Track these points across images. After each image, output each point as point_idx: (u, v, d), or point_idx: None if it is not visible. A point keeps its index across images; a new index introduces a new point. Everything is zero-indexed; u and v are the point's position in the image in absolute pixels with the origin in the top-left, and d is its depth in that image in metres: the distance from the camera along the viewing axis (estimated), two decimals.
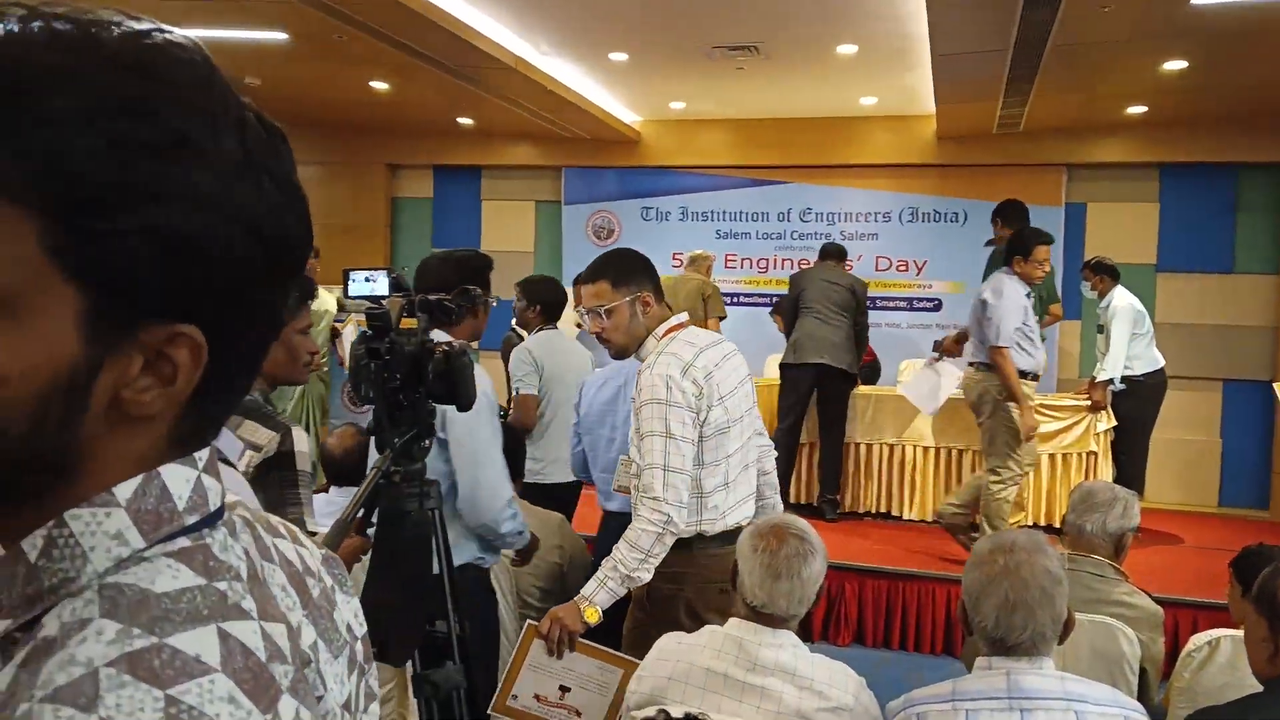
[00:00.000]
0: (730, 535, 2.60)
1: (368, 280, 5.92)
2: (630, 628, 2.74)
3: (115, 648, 0.52)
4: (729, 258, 8.64)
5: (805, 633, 2.67)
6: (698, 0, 5.46)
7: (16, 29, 0.55)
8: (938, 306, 8.37)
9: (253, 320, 0.63)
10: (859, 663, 2.27)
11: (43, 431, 0.56)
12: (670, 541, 2.50)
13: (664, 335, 2.68)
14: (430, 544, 2.10)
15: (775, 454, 3.06)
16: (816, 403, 6.22)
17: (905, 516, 6.38)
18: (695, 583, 2.62)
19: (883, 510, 6.45)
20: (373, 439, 2.14)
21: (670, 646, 2.18)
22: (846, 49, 6.27)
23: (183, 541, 0.60)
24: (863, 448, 6.47)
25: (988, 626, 1.88)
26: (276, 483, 2.19)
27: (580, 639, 2.44)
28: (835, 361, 6.07)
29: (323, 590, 0.73)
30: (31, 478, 0.58)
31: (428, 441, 2.14)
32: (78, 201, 0.54)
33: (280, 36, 5.94)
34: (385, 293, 2.14)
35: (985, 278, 5.82)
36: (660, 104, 8.22)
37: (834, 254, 6.58)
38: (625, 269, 2.71)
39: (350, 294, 5.92)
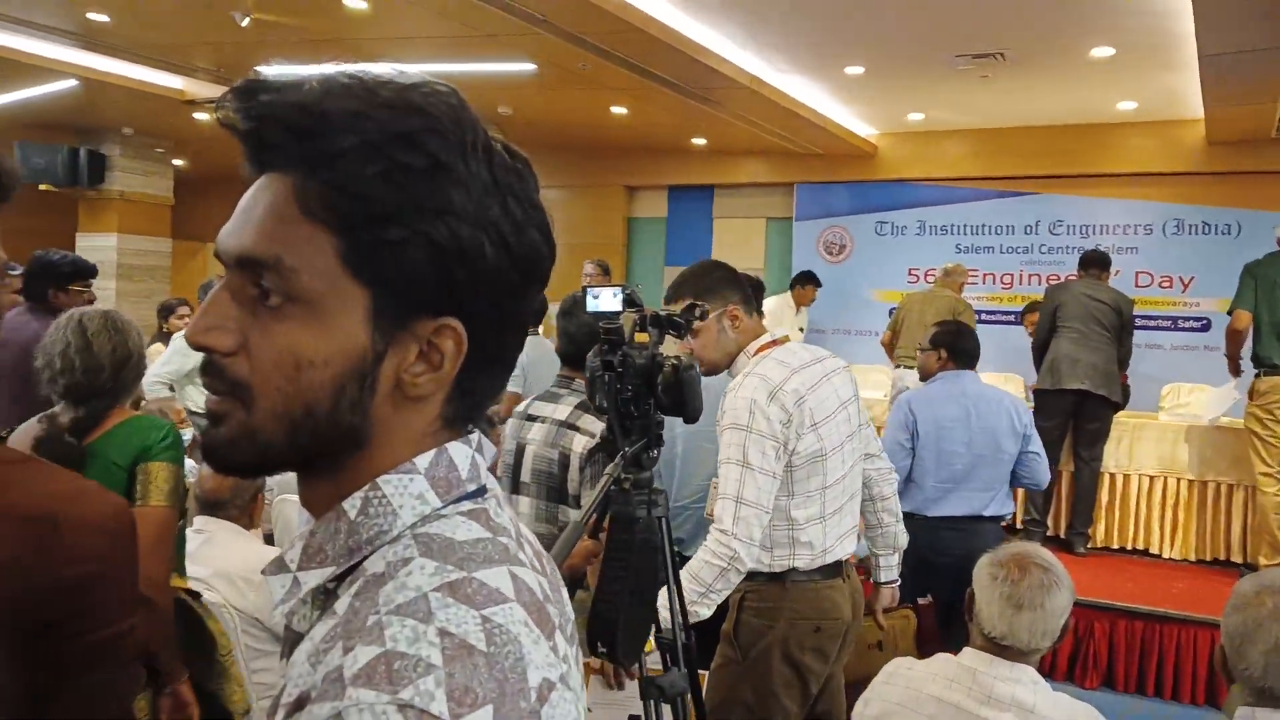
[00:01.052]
0: (831, 569, 2.46)
1: (601, 297, 6.12)
2: (717, 665, 2.55)
3: (436, 578, 0.64)
4: (970, 273, 8.30)
5: (1047, 671, 2.49)
6: (940, 10, 5.31)
7: (317, 86, 0.68)
8: (1206, 326, 7.68)
9: (504, 319, 0.73)
10: (1107, 707, 2.12)
11: (340, 409, 0.69)
12: (735, 579, 2.31)
13: (756, 353, 2.47)
14: (658, 550, 2.15)
15: (896, 477, 2.85)
16: (1072, 429, 5.77)
17: (1165, 555, 5.87)
18: (787, 619, 2.43)
19: (1139, 547, 5.96)
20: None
21: (899, 672, 2.12)
22: (1101, 51, 5.90)
23: (467, 504, 0.73)
24: (1118, 478, 6.01)
25: (1254, 675, 1.70)
26: (601, 462, 2.42)
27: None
28: (1096, 388, 5.55)
29: (553, 570, 0.81)
30: (337, 449, 0.71)
31: (655, 451, 2.20)
32: (364, 218, 0.67)
33: (529, 67, 6.28)
34: (619, 309, 2.23)
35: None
36: (897, 115, 8.03)
37: (1096, 263, 5.83)
38: (707, 282, 2.52)
39: (587, 309, 6.14)
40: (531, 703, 0.61)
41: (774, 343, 2.48)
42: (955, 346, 3.99)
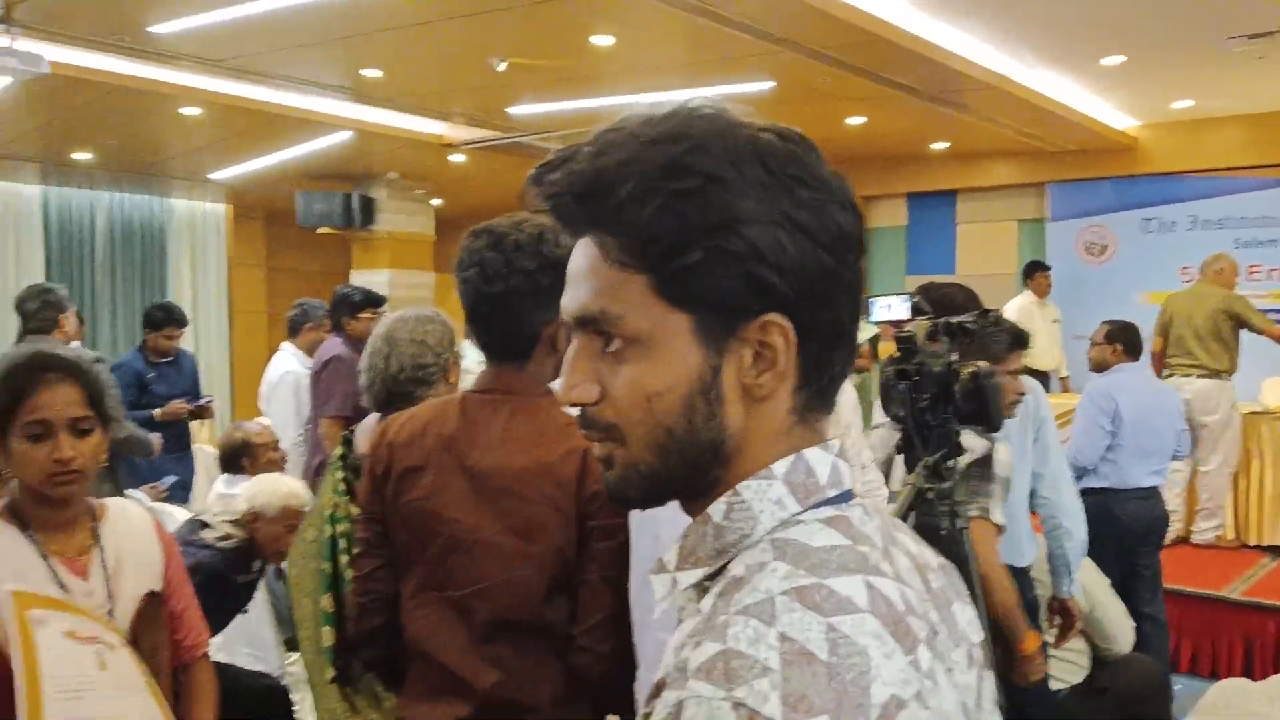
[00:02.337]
0: None
1: (888, 306, 6.03)
2: None
3: (786, 582, 0.66)
4: (1251, 269, 7.57)
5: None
6: None
7: (590, 150, 0.74)
8: None
9: (826, 298, 0.75)
10: None
11: (695, 426, 0.74)
12: None
13: None
14: (963, 562, 2.10)
15: (885, 491, 2.70)
16: None
17: None
18: None
19: None
20: (900, 457, 2.19)
21: (1230, 688, 1.97)
22: None
23: (827, 510, 0.74)
24: None
25: None
26: (976, 477, 2.41)
27: None
28: None
29: (940, 586, 0.80)
30: (705, 463, 0.76)
31: (953, 462, 2.15)
32: (661, 253, 0.72)
33: (766, 86, 6.32)
34: (905, 316, 2.21)
35: None
36: (1161, 105, 7.48)
37: None
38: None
39: (873, 319, 6.07)
40: (873, 718, 0.59)
41: None
42: (1129, 341, 4.63)
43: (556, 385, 0.81)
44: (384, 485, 1.72)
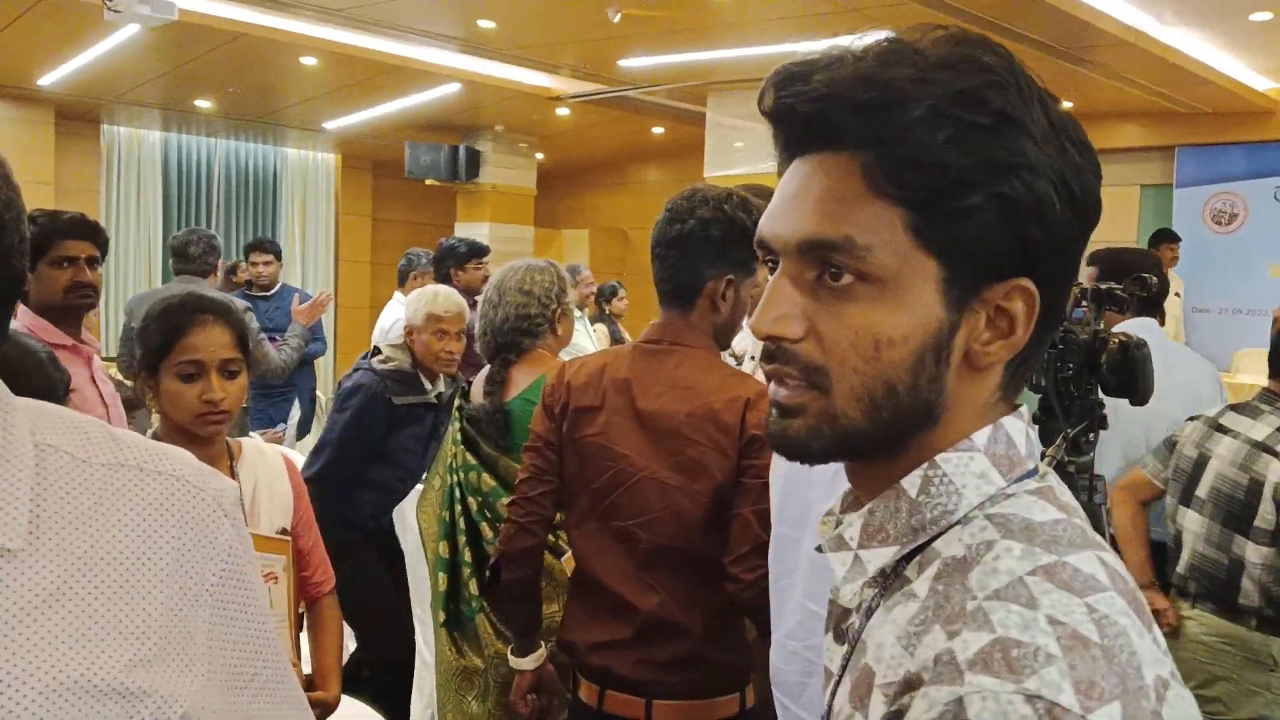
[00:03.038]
0: None
1: None
2: None
3: (1027, 561, 0.61)
4: None
5: None
6: None
7: (870, 58, 0.66)
8: None
9: (1067, 272, 0.70)
10: None
11: (918, 385, 0.68)
12: None
13: None
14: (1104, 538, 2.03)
15: None
16: None
17: None
18: None
19: None
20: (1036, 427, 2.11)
21: None
22: None
23: (1032, 483, 0.69)
24: None
25: None
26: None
27: None
28: None
29: None
30: (910, 427, 0.69)
31: (1093, 434, 2.07)
32: (938, 188, 0.64)
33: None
34: None
35: None
36: None
37: None
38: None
39: None
40: (1153, 702, 0.56)
41: None
42: None
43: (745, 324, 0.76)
44: (560, 420, 1.91)
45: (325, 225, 11.05)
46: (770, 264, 0.72)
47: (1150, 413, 2.40)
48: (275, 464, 1.96)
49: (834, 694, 0.73)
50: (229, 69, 7.46)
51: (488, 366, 2.62)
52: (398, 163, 9.45)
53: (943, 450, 0.69)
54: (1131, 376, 1.97)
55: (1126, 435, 2.84)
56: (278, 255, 5.68)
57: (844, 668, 0.71)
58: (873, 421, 0.68)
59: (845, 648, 0.73)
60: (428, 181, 9.64)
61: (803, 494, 1.44)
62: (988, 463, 0.69)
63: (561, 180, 11.16)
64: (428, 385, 3.20)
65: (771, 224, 0.71)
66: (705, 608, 1.80)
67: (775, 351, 0.69)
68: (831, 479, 1.39)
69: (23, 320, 2.50)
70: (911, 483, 0.69)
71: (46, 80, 7.87)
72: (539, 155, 10.36)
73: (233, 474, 1.85)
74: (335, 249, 11.13)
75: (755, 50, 6.60)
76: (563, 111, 8.79)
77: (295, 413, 5.30)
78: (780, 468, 1.53)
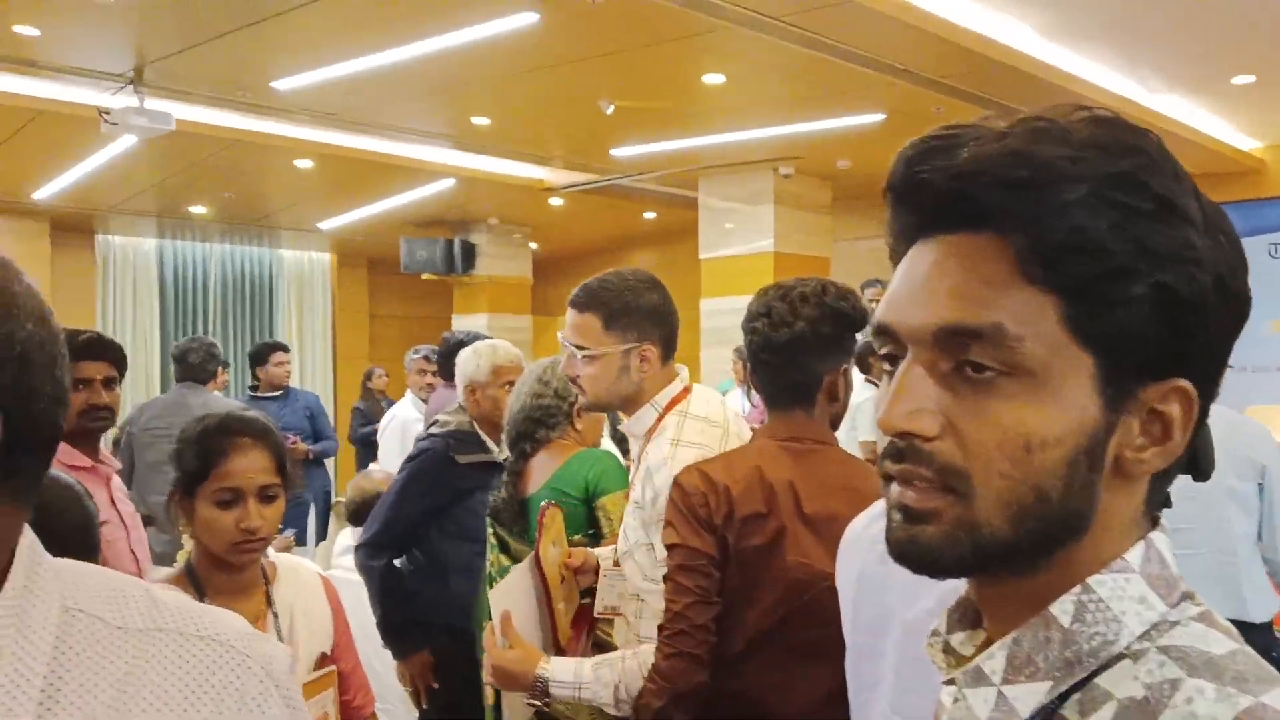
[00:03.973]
0: None
1: None
2: None
3: (1226, 705, 0.55)
4: None
5: None
6: None
7: (1018, 132, 0.61)
8: None
9: (1218, 373, 0.64)
10: None
11: (1070, 493, 0.61)
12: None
13: (666, 408, 1.96)
14: None
15: None
16: None
17: None
18: None
19: None
20: None
21: None
22: None
23: (1191, 608, 0.62)
24: None
25: None
26: None
27: None
28: None
29: None
30: (1057, 540, 0.62)
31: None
32: (1097, 276, 0.59)
33: (877, 118, 6.21)
34: None
35: None
36: None
37: None
38: (624, 307, 1.95)
39: None
40: None
41: (684, 393, 2.00)
42: None
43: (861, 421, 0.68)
44: (723, 531, 1.70)
45: (322, 324, 11.04)
46: (888, 356, 0.66)
47: (1213, 487, 2.33)
48: (311, 583, 1.87)
49: None
50: (224, 174, 7.51)
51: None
52: (393, 259, 9.48)
53: (1092, 569, 0.62)
54: (1193, 452, 1.90)
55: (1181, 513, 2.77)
56: (283, 348, 5.72)
57: None
58: (1019, 532, 0.61)
59: None
60: (424, 276, 9.66)
61: (880, 599, 1.36)
62: (1145, 585, 0.62)
63: (556, 268, 11.22)
64: (490, 445, 3.05)
65: (898, 310, 0.65)
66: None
67: (905, 450, 0.62)
68: (913, 580, 1.31)
69: None
70: (1063, 609, 0.62)
71: (41, 194, 7.91)
72: (533, 245, 10.42)
73: (269, 599, 1.76)
74: (333, 347, 11.10)
75: (744, 135, 6.69)
76: (556, 201, 8.87)
77: (310, 518, 5.25)
78: (851, 572, 1.44)
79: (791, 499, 1.70)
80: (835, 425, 1.85)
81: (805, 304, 1.75)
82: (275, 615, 1.74)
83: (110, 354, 2.63)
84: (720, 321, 7.65)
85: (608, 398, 1.97)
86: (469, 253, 9.58)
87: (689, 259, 8.34)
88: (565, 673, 1.76)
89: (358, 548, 2.99)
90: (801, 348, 1.74)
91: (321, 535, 5.32)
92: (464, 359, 3.10)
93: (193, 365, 4.55)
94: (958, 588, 1.26)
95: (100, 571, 0.71)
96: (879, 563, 1.37)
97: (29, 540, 0.67)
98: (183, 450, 1.69)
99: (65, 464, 1.96)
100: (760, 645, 1.69)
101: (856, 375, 6.11)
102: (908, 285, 0.65)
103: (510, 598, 1.94)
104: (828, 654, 1.54)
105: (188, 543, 1.72)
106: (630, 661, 1.75)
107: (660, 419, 1.93)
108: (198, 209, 8.90)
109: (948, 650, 0.73)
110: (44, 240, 8.88)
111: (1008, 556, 0.62)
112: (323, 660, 1.79)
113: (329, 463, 6.16)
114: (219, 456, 1.65)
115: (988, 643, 0.70)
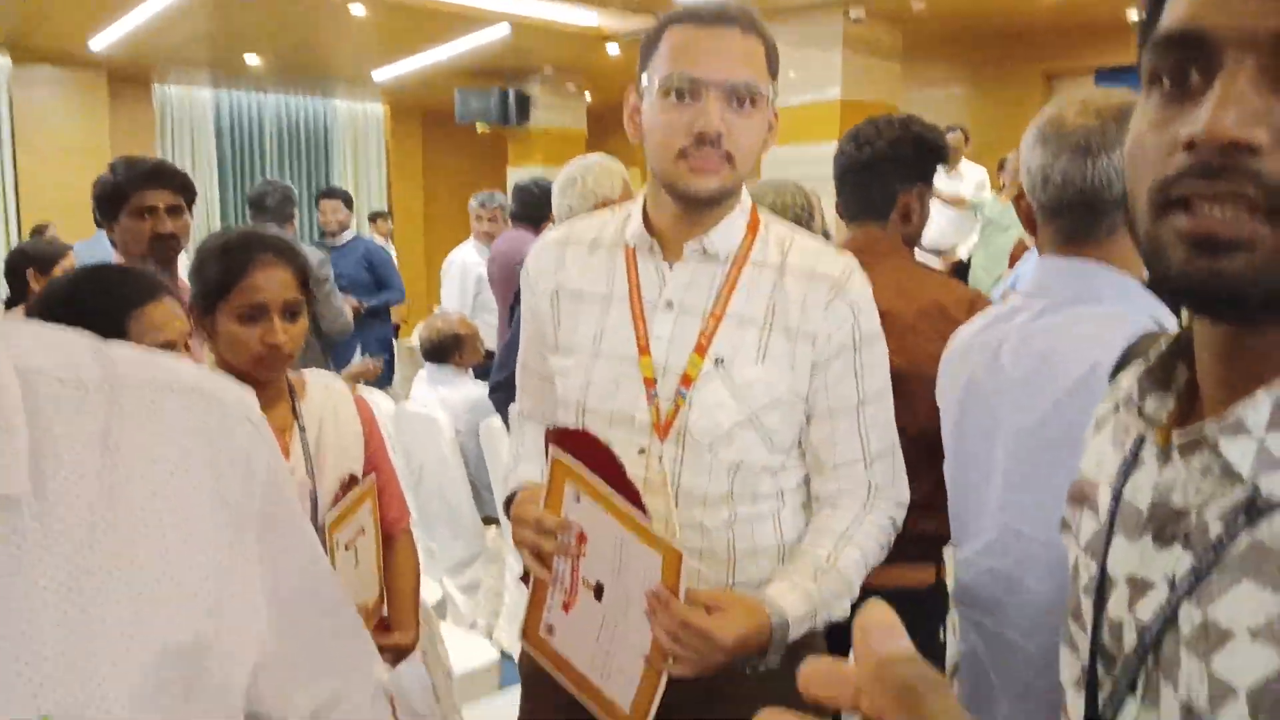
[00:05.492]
0: None
1: None
2: None
3: None
4: None
5: None
6: None
7: None
8: None
9: None
10: None
11: None
12: None
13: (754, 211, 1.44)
14: None
15: None
16: None
17: None
18: None
19: None
20: None
21: None
22: None
23: None
24: None
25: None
26: None
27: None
28: None
29: None
30: None
31: None
32: None
33: None
34: None
35: None
36: None
37: None
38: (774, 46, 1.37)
39: None
40: None
41: None
42: None
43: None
44: None
45: (377, 177, 11.02)
46: (1177, 72, 0.59)
47: None
48: (343, 401, 1.80)
49: (1173, 604, 0.61)
50: (277, 25, 7.38)
51: None
52: (446, 112, 9.34)
53: None
54: None
55: None
56: (347, 202, 5.61)
57: (1195, 573, 0.59)
58: None
59: (1189, 552, 0.60)
60: (479, 127, 9.53)
61: (989, 407, 1.36)
62: None
63: (611, 120, 10.98)
64: None
65: (1225, 8, 0.56)
66: (927, 479, 1.58)
67: (1223, 166, 0.55)
68: (1026, 389, 1.30)
69: None
70: None
71: (98, 43, 7.86)
72: (588, 96, 10.18)
73: (295, 414, 1.71)
74: (388, 200, 11.10)
75: None
76: (612, 49, 8.60)
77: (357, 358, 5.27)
78: (959, 378, 1.44)
79: None
80: (910, 246, 2.00)
81: (890, 126, 1.94)
82: (302, 429, 1.71)
83: (173, 181, 2.59)
84: (783, 171, 7.48)
85: (748, 169, 1.33)
86: (523, 104, 9.40)
87: None
88: (798, 603, 1.22)
89: (492, 391, 2.95)
90: (880, 165, 1.91)
91: (387, 380, 5.41)
92: (594, 176, 2.89)
93: (269, 208, 4.58)
94: (1072, 392, 1.24)
95: (42, 328, 0.63)
96: (990, 370, 1.37)
97: None
98: (204, 264, 1.64)
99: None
100: None
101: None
102: None
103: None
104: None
105: (207, 357, 1.69)
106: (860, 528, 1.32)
107: (757, 226, 1.38)
108: (252, 59, 8.80)
109: (1141, 415, 0.67)
110: (102, 92, 8.88)
111: None
112: (350, 482, 1.74)
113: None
114: (242, 271, 1.61)
115: (1179, 409, 0.67)
